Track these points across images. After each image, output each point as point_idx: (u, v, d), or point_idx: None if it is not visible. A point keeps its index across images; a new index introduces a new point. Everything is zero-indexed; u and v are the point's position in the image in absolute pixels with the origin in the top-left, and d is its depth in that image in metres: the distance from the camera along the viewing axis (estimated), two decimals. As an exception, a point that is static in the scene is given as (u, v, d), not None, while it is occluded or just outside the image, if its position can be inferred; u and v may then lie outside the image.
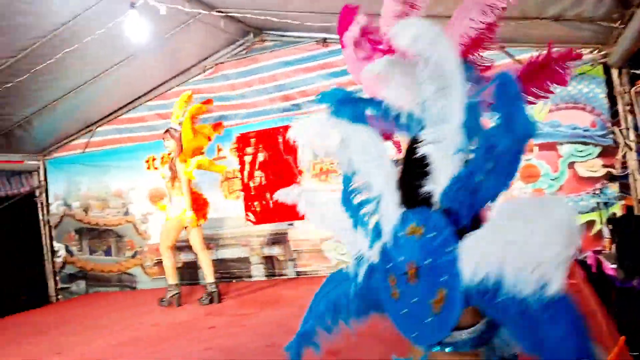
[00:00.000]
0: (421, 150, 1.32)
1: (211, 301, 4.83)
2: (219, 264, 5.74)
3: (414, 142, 1.40)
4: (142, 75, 5.88)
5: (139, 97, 6.30)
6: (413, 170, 1.40)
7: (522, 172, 4.95)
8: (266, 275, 5.86)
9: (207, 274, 4.93)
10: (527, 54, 4.92)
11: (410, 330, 1.42)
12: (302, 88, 5.75)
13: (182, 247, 5.63)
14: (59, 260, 6.69)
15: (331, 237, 5.58)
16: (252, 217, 5.87)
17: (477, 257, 1.21)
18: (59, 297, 6.64)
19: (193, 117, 4.90)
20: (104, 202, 6.46)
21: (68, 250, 6.65)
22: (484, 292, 1.19)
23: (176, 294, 4.93)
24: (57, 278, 6.67)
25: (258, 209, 5.86)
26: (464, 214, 1.28)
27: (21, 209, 6.65)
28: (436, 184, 1.31)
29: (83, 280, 6.57)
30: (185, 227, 4.87)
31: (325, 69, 5.61)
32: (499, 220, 1.19)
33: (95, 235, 6.49)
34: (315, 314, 1.70)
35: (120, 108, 6.36)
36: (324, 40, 5.54)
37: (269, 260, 5.85)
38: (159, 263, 6.27)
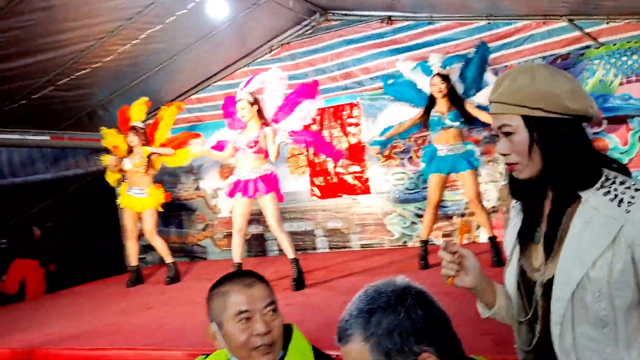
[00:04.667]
0: None
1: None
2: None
3: None
4: (212, 57, 6.16)
5: (208, 78, 6.60)
6: None
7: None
8: (330, 248, 6.09)
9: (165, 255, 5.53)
10: (598, 27, 4.88)
11: None
12: (365, 65, 5.89)
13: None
14: (133, 232, 7.12)
15: (394, 211, 5.74)
16: (317, 191, 6.09)
17: None
18: (136, 266, 7.08)
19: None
20: (176, 178, 6.82)
21: (143, 223, 7.07)
22: None
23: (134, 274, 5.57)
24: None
25: (323, 184, 6.08)
26: None
27: (99, 185, 7.11)
28: None
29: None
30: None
31: (389, 45, 5.72)
32: None
33: (168, 209, 6.86)
34: None
35: (191, 89, 6.68)
36: (389, 18, 5.65)
37: (333, 233, 6.07)
38: (228, 235, 6.61)
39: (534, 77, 1.17)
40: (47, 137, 6.22)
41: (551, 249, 1.19)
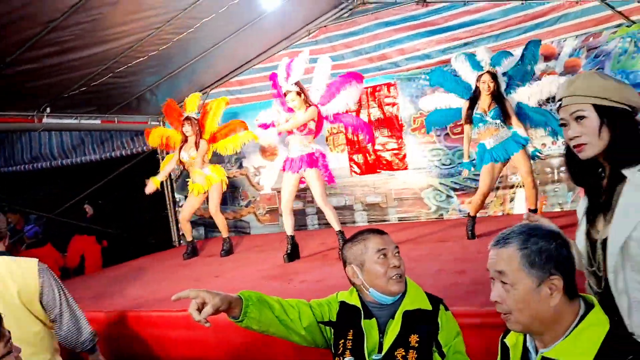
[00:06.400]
0: None
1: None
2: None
3: None
4: (253, 42, 6.43)
5: (248, 62, 6.90)
6: None
7: None
8: (368, 221, 6.44)
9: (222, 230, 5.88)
10: (630, 5, 5.07)
11: None
12: (401, 46, 6.13)
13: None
14: (180, 209, 7.53)
15: (431, 185, 6.05)
16: (356, 168, 6.41)
17: None
18: (181, 242, 7.51)
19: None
20: (220, 157, 7.16)
21: (188, 201, 7.47)
22: None
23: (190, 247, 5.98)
24: (179, 225, 7.52)
25: (361, 161, 6.40)
26: None
27: (145, 165, 7.51)
28: None
29: (202, 227, 7.41)
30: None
31: (424, 27, 5.95)
32: None
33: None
34: None
35: (232, 72, 6.99)
36: (424, 0, 5.86)
37: (371, 207, 6.41)
38: (270, 211, 7.00)
39: (603, 76, 1.57)
40: (98, 121, 6.59)
41: (607, 216, 1.59)
